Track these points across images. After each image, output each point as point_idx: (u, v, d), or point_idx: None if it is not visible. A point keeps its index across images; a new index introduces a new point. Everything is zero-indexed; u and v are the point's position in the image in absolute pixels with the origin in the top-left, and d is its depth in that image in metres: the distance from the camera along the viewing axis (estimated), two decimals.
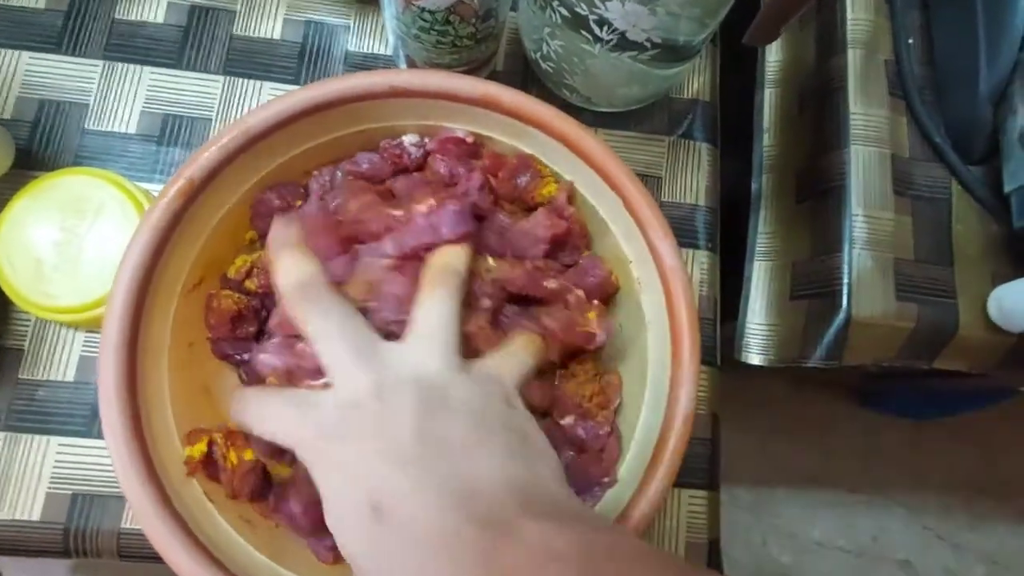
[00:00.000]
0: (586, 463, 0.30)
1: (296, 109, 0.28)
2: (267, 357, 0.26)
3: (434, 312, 0.25)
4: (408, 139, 0.31)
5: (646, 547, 0.21)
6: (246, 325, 0.30)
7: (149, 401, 0.27)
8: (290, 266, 0.26)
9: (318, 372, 0.25)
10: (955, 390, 0.84)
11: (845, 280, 0.38)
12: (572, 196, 0.31)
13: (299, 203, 0.30)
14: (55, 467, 0.34)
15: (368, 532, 0.21)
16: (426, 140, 0.31)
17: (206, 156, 0.27)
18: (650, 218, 0.29)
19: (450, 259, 0.27)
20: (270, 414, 0.24)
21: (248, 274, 0.30)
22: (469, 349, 0.26)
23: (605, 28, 0.32)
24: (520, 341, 0.27)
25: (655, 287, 0.29)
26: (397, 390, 0.23)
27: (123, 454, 0.25)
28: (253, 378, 0.30)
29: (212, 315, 0.30)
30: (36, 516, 0.33)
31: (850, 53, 0.41)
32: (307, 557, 0.29)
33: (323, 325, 0.24)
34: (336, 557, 0.28)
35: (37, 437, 0.34)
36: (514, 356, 0.26)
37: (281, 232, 0.27)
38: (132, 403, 0.26)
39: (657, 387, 0.29)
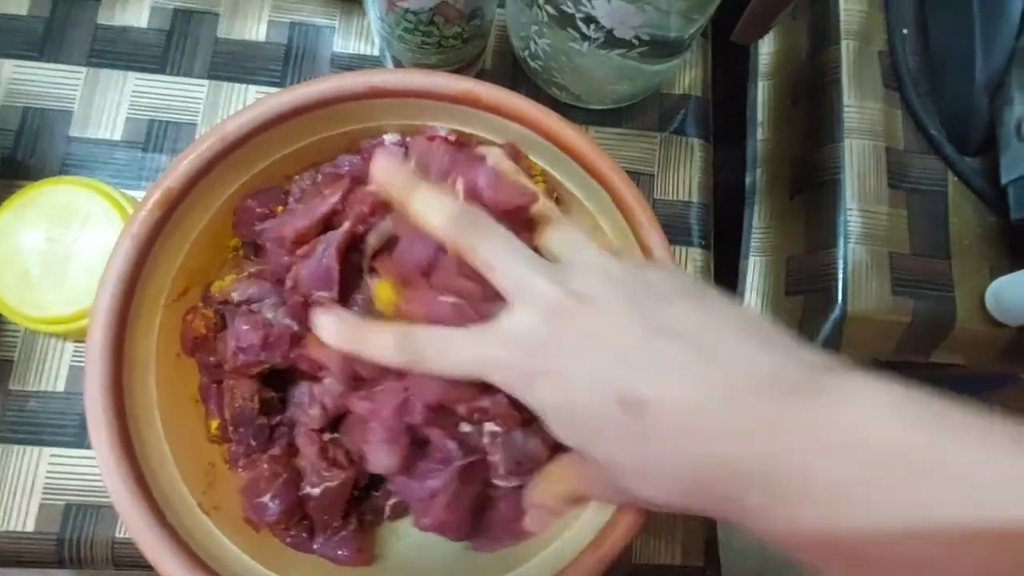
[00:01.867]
0: None
1: (274, 113, 0.28)
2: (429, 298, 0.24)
3: (568, 239, 0.25)
4: (388, 138, 0.30)
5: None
6: (207, 353, 0.29)
7: (137, 412, 0.26)
8: (435, 202, 0.24)
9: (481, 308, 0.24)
10: (955, 377, 0.84)
11: (840, 275, 0.38)
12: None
13: (280, 208, 0.30)
14: (48, 478, 0.34)
15: (631, 432, 0.20)
16: (408, 139, 0.31)
17: (184, 165, 0.27)
18: (637, 211, 0.28)
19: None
20: (460, 348, 0.23)
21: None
22: None
23: (592, 26, 0.32)
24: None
25: None
26: (598, 293, 0.22)
27: (112, 466, 0.25)
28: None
29: (185, 332, 0.29)
30: (30, 527, 0.33)
31: (843, 44, 0.40)
32: (300, 564, 0.29)
33: (497, 250, 0.23)
34: (352, 557, 0.28)
35: (29, 448, 0.34)
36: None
37: (394, 169, 0.25)
38: (119, 415, 0.25)
39: None
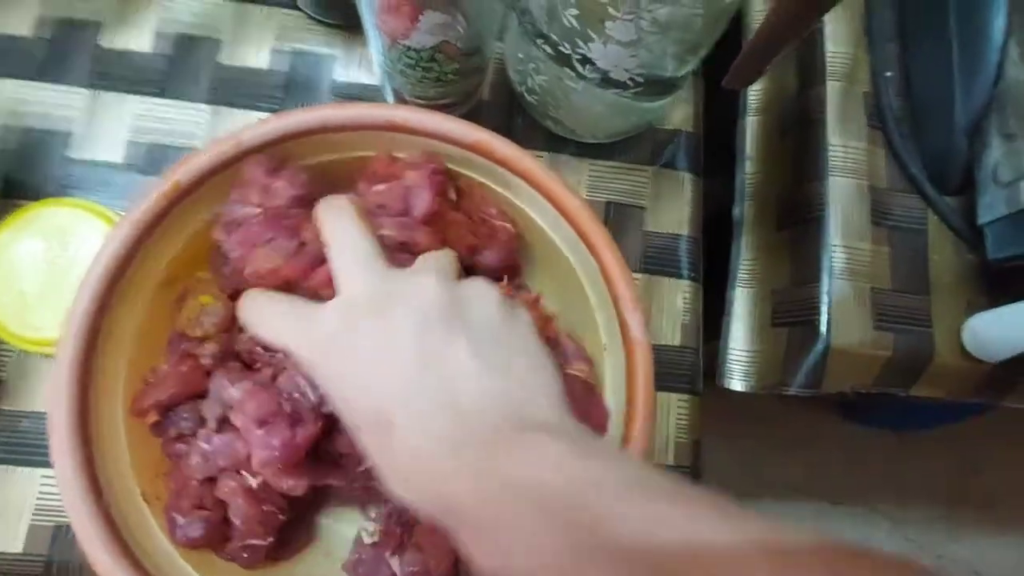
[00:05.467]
0: None
1: (292, 129, 0.29)
2: (267, 252, 0.27)
3: (433, 255, 0.28)
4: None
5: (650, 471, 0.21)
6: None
7: (99, 389, 0.27)
8: (330, 202, 0.28)
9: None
10: (936, 403, 0.85)
11: (824, 309, 0.39)
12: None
13: None
14: (38, 499, 0.34)
15: (380, 442, 0.22)
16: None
17: (196, 162, 0.28)
18: (623, 286, 0.29)
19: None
20: (272, 317, 0.26)
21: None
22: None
23: (588, 67, 0.33)
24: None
25: (618, 353, 0.29)
26: (401, 305, 0.23)
27: (63, 432, 0.25)
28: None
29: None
30: (19, 548, 0.33)
31: (829, 85, 0.42)
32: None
33: (340, 234, 0.26)
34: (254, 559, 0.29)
35: (20, 468, 0.34)
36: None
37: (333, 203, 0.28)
38: (83, 388, 0.26)
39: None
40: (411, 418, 0.22)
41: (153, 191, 0.27)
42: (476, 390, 0.22)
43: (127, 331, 0.28)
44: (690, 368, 0.40)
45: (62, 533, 0.34)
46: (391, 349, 0.23)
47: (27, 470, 0.34)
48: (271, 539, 0.28)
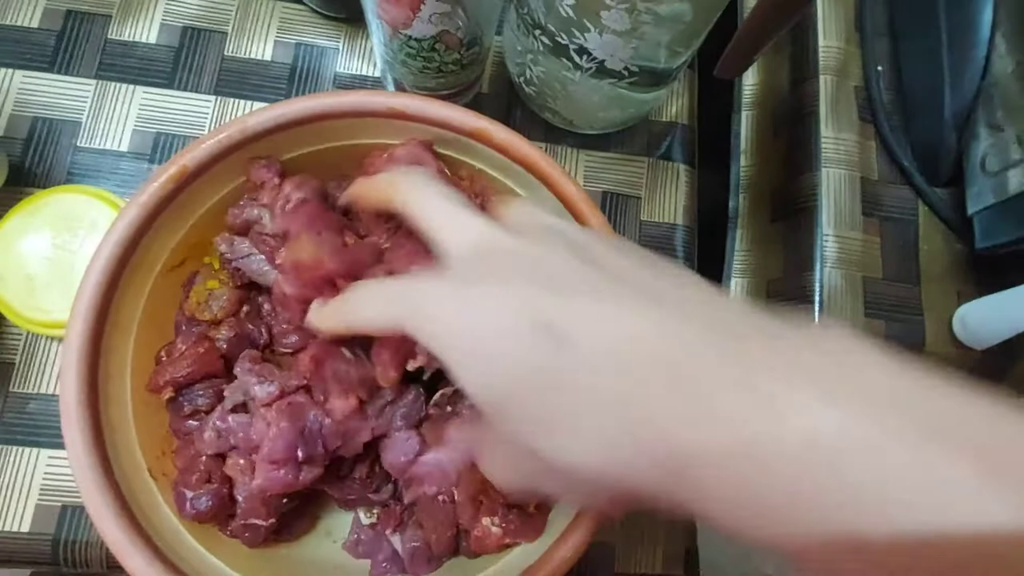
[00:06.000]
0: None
1: (296, 116, 0.29)
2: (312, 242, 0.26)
3: (513, 203, 0.24)
4: None
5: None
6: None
7: (110, 369, 0.28)
8: (405, 171, 0.26)
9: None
10: None
11: (817, 298, 0.40)
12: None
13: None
14: (45, 479, 0.34)
15: (542, 359, 0.16)
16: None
17: (203, 147, 0.28)
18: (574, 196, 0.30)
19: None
20: (377, 296, 0.21)
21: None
22: None
23: (585, 57, 0.33)
24: None
25: None
26: (531, 230, 0.19)
27: (72, 407, 0.26)
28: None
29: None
30: (26, 528, 0.34)
31: (822, 79, 0.43)
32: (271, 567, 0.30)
33: (424, 191, 0.22)
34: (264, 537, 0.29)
35: (27, 449, 0.35)
36: None
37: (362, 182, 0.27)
38: (92, 365, 0.27)
39: None
40: (598, 322, 0.16)
41: (161, 174, 0.28)
42: (668, 292, 0.17)
43: (134, 312, 0.29)
44: None
45: (69, 513, 0.34)
46: (547, 261, 0.18)
47: (35, 451, 0.35)
48: (272, 520, 0.29)
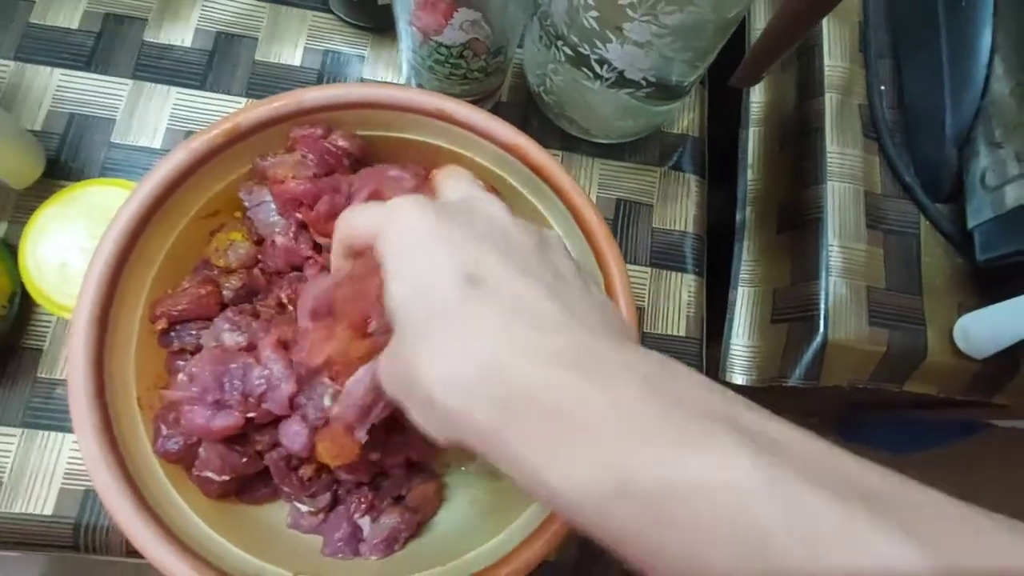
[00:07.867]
0: None
1: (345, 100, 0.31)
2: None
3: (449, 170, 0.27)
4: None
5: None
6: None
7: (123, 307, 0.29)
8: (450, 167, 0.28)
9: None
10: (932, 423, 0.87)
11: (822, 306, 0.41)
12: None
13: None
14: (69, 464, 0.35)
15: (458, 295, 0.19)
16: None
17: (258, 111, 0.30)
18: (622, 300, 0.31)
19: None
20: (364, 212, 0.23)
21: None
22: None
23: (605, 67, 0.35)
24: None
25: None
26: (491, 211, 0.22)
27: (80, 362, 0.26)
28: None
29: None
30: (49, 511, 0.34)
31: (827, 97, 0.45)
32: (279, 547, 0.30)
33: (455, 176, 0.25)
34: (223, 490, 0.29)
35: (53, 434, 0.35)
36: None
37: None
38: (105, 307, 0.28)
39: None
40: (512, 282, 0.19)
41: (215, 128, 0.29)
42: (574, 297, 0.21)
43: (161, 247, 0.30)
44: (695, 358, 0.42)
45: (92, 497, 0.35)
46: (495, 231, 0.21)
47: (60, 435, 0.35)
48: (226, 478, 0.29)
